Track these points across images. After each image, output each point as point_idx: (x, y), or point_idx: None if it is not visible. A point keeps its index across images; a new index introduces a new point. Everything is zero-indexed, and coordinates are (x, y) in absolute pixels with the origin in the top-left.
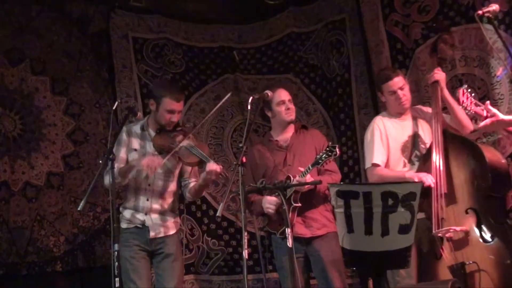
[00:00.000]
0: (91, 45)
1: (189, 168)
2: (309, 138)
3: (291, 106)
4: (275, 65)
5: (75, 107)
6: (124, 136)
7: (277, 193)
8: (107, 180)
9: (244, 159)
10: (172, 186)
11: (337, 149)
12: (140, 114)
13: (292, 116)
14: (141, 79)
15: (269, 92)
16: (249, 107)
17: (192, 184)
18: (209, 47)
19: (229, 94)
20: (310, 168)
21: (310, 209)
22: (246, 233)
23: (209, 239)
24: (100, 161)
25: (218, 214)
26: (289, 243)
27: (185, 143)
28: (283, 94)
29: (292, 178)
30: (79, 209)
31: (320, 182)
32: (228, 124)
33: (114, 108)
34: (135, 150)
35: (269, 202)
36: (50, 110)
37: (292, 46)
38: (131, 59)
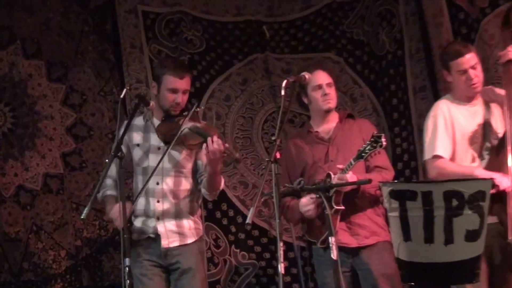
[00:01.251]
0: (93, 22)
1: (202, 160)
2: (356, 129)
3: (330, 91)
4: (312, 42)
5: (76, 96)
6: (122, 131)
7: (317, 195)
8: (99, 195)
9: (278, 155)
10: (186, 183)
11: (382, 139)
12: (153, 103)
13: (330, 103)
14: (153, 62)
15: (306, 74)
16: (282, 93)
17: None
18: (234, 21)
19: (200, 107)
20: (353, 163)
21: (356, 213)
22: (281, 244)
23: (238, 251)
24: (107, 160)
25: (248, 221)
26: (334, 254)
27: (188, 124)
28: (320, 77)
29: (332, 176)
30: (82, 217)
31: (369, 181)
32: (258, 114)
33: (122, 96)
34: (138, 145)
35: (306, 204)
36: (46, 100)
37: (333, 19)
38: (141, 38)
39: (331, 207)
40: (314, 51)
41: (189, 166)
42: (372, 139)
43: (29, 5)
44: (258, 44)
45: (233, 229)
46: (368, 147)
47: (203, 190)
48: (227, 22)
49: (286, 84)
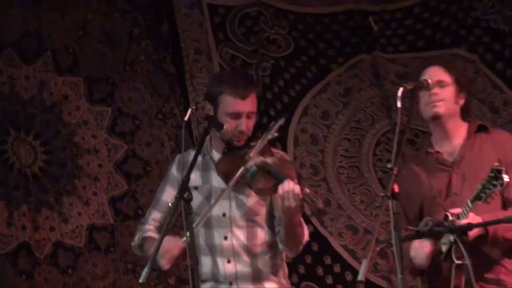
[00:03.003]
0: (144, 23)
1: (278, 205)
2: (489, 146)
3: (440, 91)
4: (436, 35)
5: (126, 121)
6: (173, 169)
7: (452, 240)
8: (136, 238)
9: (396, 188)
10: (263, 235)
11: (503, 175)
12: (227, 126)
13: (437, 107)
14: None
15: (429, 79)
16: (398, 105)
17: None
18: (331, 13)
19: (281, 120)
20: (470, 205)
21: (489, 267)
22: None
23: None
24: (170, 204)
25: (360, 278)
26: None
27: (256, 160)
28: (428, 73)
29: (450, 218)
30: (141, 281)
31: (506, 220)
32: (368, 134)
33: (186, 118)
34: (196, 188)
35: (418, 248)
36: (87, 128)
37: (462, 2)
38: (208, 41)
39: (451, 261)
40: (438, 47)
41: (263, 211)
42: (491, 174)
43: (60, 4)
44: (364, 41)
45: None
46: (488, 184)
47: (280, 246)
48: (322, 15)
49: (403, 93)
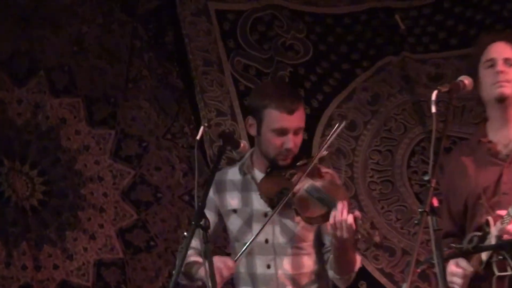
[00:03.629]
0: (146, 34)
1: (327, 231)
2: None
3: (507, 69)
4: (470, 31)
5: (132, 144)
6: (210, 192)
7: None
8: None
9: (435, 202)
10: (310, 263)
11: None
12: (244, 143)
13: (504, 88)
14: (238, 83)
15: (465, 80)
16: (433, 110)
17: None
18: (352, 12)
19: (343, 124)
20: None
21: None
22: None
23: None
24: (185, 233)
25: None
26: None
27: (304, 183)
28: (495, 49)
29: (491, 224)
30: None
31: None
32: (401, 144)
33: (198, 137)
34: (235, 211)
35: (455, 273)
36: (89, 154)
37: None
38: (218, 50)
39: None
40: (473, 44)
41: (310, 237)
42: None
43: (52, 18)
44: (390, 42)
45: None
46: None
47: (330, 273)
48: (342, 15)
49: (437, 96)
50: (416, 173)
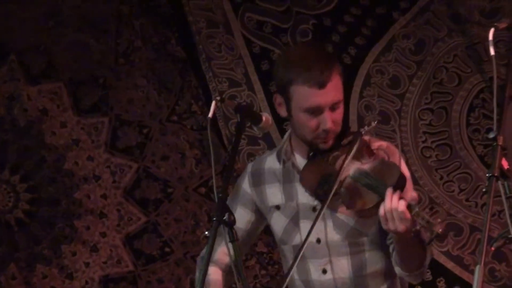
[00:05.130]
0: None
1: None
2: None
3: None
4: None
5: (130, 131)
6: (244, 184)
7: None
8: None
9: (505, 164)
10: (373, 261)
11: None
12: (266, 116)
13: None
14: (252, 44)
15: None
16: (491, 52)
17: None
18: None
19: (373, 123)
20: None
21: None
22: None
23: None
24: (206, 233)
25: None
26: None
27: (349, 170)
28: None
29: None
30: None
31: None
32: (456, 99)
33: (210, 115)
34: (277, 208)
35: None
36: (80, 149)
37: None
38: (223, 7)
39: None
40: None
41: (372, 229)
42: None
43: None
44: None
45: None
46: None
47: (397, 270)
48: None
49: (495, 35)
50: (478, 131)
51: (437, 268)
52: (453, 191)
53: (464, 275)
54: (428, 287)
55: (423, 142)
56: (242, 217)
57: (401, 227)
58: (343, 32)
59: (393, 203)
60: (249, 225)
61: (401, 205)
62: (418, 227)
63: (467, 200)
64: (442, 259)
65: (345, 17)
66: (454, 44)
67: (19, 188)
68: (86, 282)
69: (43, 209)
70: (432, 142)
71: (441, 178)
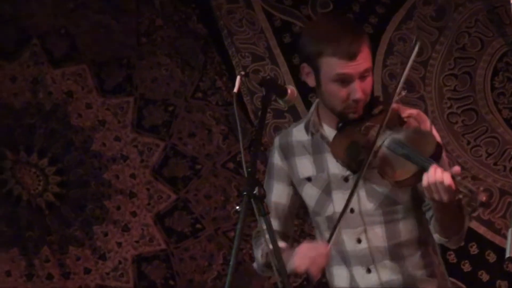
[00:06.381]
0: None
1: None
2: None
3: None
4: None
5: (156, 110)
6: (275, 158)
7: None
8: (259, 255)
9: None
10: (409, 228)
11: None
12: (291, 89)
13: None
14: (273, 17)
15: None
16: None
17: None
18: None
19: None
20: None
21: None
22: None
23: None
24: (237, 207)
25: (508, 254)
26: None
27: (383, 139)
28: None
29: None
30: None
31: None
32: (479, 63)
33: (236, 90)
34: (309, 180)
35: None
36: (106, 129)
37: None
38: None
39: None
40: None
41: (405, 197)
42: None
43: None
44: None
45: (485, 276)
46: None
47: (435, 237)
48: None
49: None
50: (503, 95)
51: (468, 233)
52: (480, 155)
53: (496, 239)
54: (461, 252)
55: (449, 108)
56: (283, 192)
57: (445, 197)
58: (363, 1)
59: (438, 175)
60: (290, 198)
61: (447, 178)
62: (460, 196)
63: (495, 164)
64: (473, 224)
65: None
66: (475, 8)
67: (48, 171)
68: (119, 262)
69: (72, 191)
70: (457, 107)
71: (468, 143)
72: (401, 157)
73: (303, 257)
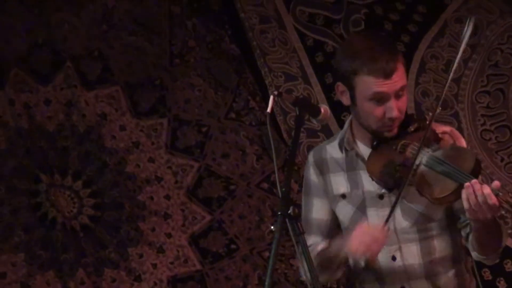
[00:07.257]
0: None
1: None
2: None
3: None
4: None
5: (189, 131)
6: (310, 175)
7: None
8: (302, 271)
9: None
10: (442, 246)
11: None
12: (325, 108)
13: None
14: (305, 37)
15: None
16: None
17: None
18: None
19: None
20: None
21: None
22: None
23: None
24: (272, 227)
25: None
26: None
27: (421, 157)
28: None
29: None
30: None
31: None
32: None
33: (269, 110)
34: (343, 197)
35: None
36: (141, 151)
37: None
38: (274, 2)
39: None
40: None
41: (439, 214)
42: None
43: None
44: None
45: None
46: None
47: (474, 254)
48: None
49: None
50: None
51: (503, 249)
52: None
53: None
54: (496, 269)
55: (482, 125)
56: (323, 208)
57: (490, 215)
58: (395, 20)
59: (481, 192)
60: (330, 213)
61: (491, 196)
62: (502, 212)
63: None
64: (508, 241)
65: (397, 5)
66: (507, 25)
67: (82, 194)
68: (155, 283)
69: (107, 213)
70: (491, 124)
71: (502, 160)
72: (440, 174)
73: (359, 243)
